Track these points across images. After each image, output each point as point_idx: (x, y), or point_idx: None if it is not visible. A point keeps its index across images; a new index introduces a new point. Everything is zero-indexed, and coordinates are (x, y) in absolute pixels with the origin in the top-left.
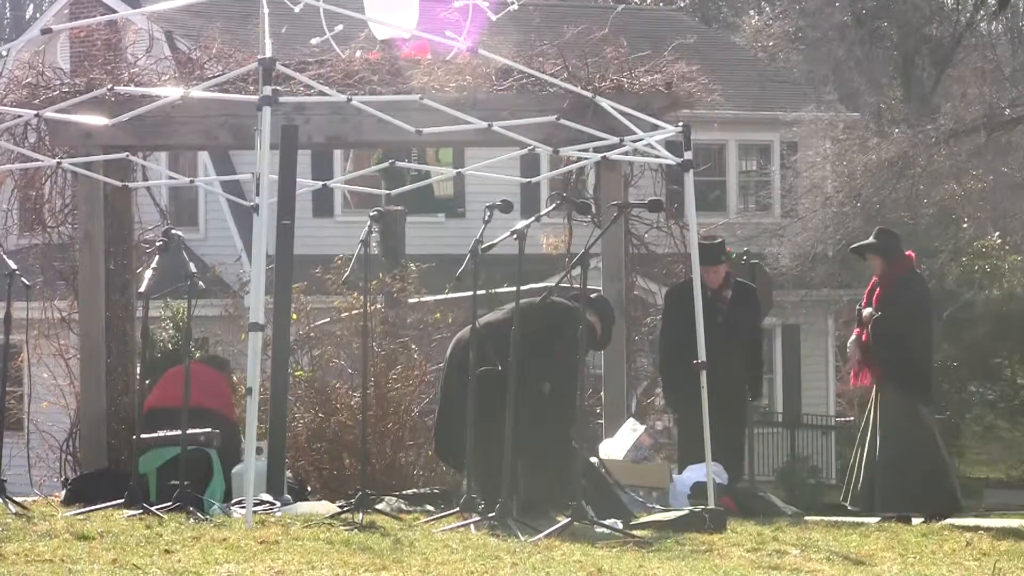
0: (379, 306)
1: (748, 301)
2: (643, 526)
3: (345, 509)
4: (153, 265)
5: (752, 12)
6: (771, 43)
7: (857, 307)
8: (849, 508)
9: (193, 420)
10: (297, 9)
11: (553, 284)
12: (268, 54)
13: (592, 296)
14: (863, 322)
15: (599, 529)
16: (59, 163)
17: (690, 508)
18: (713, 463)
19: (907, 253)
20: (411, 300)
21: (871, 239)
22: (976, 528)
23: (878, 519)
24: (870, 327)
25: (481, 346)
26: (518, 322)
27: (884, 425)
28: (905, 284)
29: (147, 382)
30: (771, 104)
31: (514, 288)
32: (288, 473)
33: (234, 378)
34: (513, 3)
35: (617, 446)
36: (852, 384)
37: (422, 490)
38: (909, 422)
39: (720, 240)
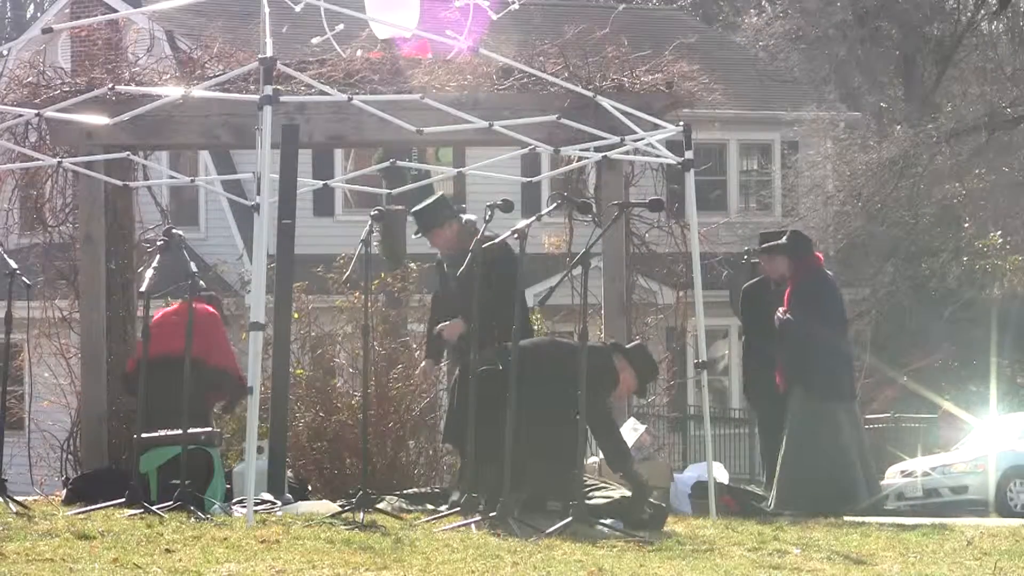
0: (380, 305)
1: (804, 294)
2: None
3: (346, 508)
4: (154, 264)
5: (753, 11)
6: (772, 42)
7: (779, 312)
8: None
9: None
10: (298, 8)
11: (554, 284)
12: (269, 53)
13: (630, 345)
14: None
15: (600, 528)
16: (60, 162)
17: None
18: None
19: (816, 254)
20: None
21: (782, 240)
22: (977, 527)
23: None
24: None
25: (494, 362)
26: (519, 321)
27: (789, 426)
28: (809, 285)
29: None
30: (772, 103)
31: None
32: (289, 472)
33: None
34: (514, 2)
35: None
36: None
37: (423, 489)
38: (811, 423)
39: (783, 231)
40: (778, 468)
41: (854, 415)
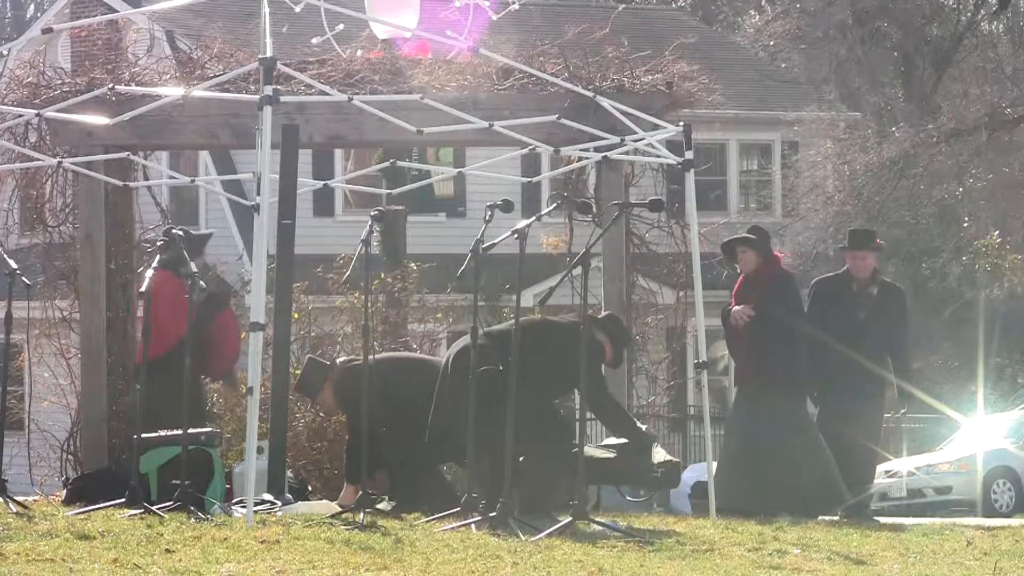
0: (380, 305)
1: (894, 303)
2: (595, 467)
3: (346, 508)
4: (154, 264)
5: (753, 12)
6: (772, 43)
7: (725, 308)
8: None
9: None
10: (298, 8)
11: (554, 284)
12: (269, 53)
13: (602, 316)
14: (733, 319)
15: (600, 528)
16: (60, 163)
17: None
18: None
19: (775, 253)
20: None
21: (746, 233)
22: (977, 527)
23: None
24: (748, 326)
25: (484, 349)
26: (518, 322)
27: (768, 428)
28: (783, 283)
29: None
30: (772, 104)
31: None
32: (289, 473)
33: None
34: (514, 3)
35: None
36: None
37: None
38: (793, 423)
39: (872, 230)
40: (769, 471)
41: (810, 416)
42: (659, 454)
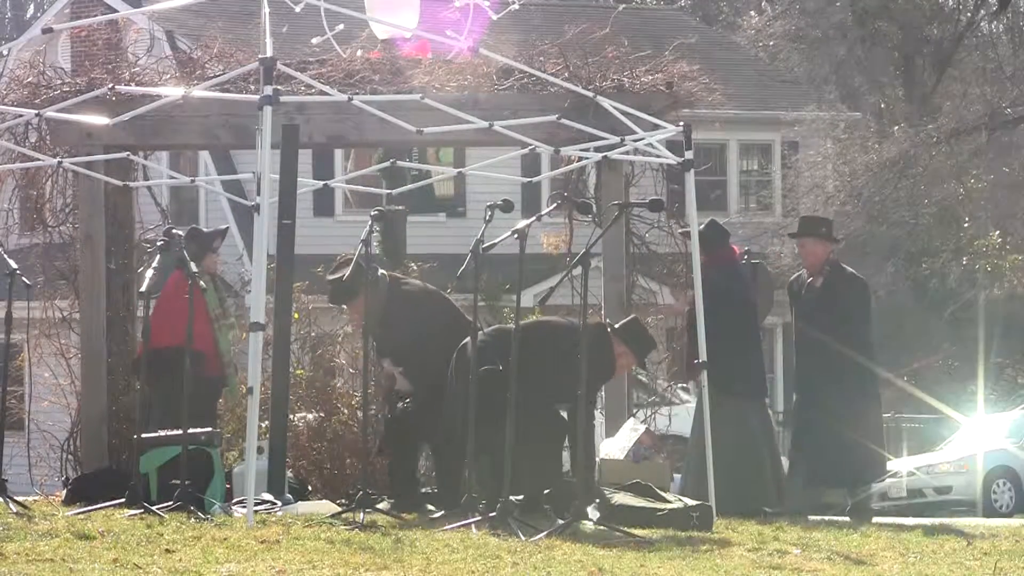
0: None
1: (840, 294)
2: (631, 514)
3: (346, 508)
4: (154, 264)
5: (753, 12)
6: (772, 43)
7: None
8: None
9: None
10: (298, 9)
11: (554, 284)
12: (269, 53)
13: (621, 323)
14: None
15: (600, 528)
16: (60, 163)
17: (677, 501)
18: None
19: (732, 247)
20: None
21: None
22: (977, 527)
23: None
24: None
25: (485, 348)
26: (518, 323)
27: (697, 420)
28: (715, 280)
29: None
30: (772, 104)
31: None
32: (289, 472)
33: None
34: (514, 3)
35: (617, 446)
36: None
37: (423, 490)
38: (718, 418)
39: (821, 217)
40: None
41: (765, 413)
42: (671, 496)
